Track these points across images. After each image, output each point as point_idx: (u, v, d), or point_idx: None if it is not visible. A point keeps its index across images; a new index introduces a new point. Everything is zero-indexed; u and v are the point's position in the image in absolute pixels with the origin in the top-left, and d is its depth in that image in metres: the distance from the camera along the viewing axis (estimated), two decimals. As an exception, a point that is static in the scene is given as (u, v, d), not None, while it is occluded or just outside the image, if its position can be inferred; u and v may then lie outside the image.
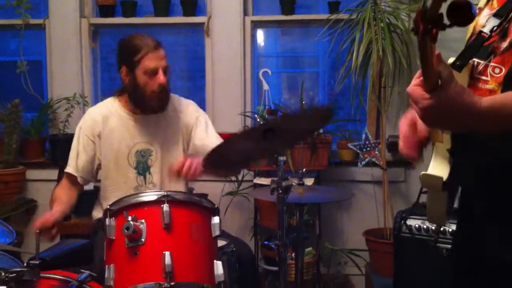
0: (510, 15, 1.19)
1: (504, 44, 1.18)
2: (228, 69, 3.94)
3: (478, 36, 1.22)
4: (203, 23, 3.99)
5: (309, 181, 3.39)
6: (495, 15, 1.21)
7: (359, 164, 3.57)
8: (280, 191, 1.99)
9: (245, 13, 3.97)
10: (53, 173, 3.70)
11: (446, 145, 1.27)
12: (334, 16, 3.60)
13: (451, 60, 1.22)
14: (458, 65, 1.20)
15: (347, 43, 3.49)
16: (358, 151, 3.57)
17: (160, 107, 2.58)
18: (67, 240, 2.19)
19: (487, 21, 1.22)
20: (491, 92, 1.18)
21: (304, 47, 4.47)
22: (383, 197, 3.52)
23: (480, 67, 1.22)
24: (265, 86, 3.90)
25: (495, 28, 1.19)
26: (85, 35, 4.08)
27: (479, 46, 1.21)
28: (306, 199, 2.60)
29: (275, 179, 2.00)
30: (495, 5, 1.24)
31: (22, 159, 3.98)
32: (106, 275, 1.81)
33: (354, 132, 3.87)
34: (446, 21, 0.90)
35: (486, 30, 1.20)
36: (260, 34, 4.29)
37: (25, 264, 1.71)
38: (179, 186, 2.64)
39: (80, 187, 2.64)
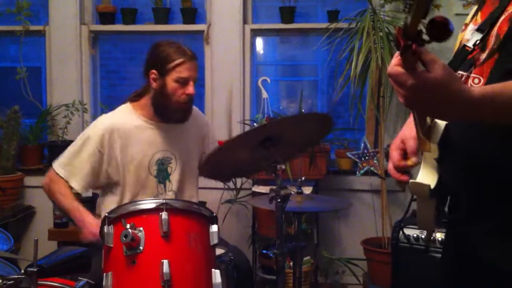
0: (492, 30, 1.22)
1: (483, 56, 1.22)
2: (227, 77, 3.95)
3: (462, 49, 1.25)
4: (202, 31, 4.01)
5: (307, 190, 3.39)
6: (478, 29, 1.24)
7: (357, 173, 3.58)
8: (279, 200, 1.99)
9: (245, 21, 3.98)
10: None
11: (434, 155, 1.29)
12: (333, 25, 3.61)
13: None
14: None
15: (346, 52, 3.50)
16: (357, 160, 3.58)
17: (184, 119, 2.55)
18: (65, 248, 2.19)
19: (471, 35, 1.25)
20: None
21: (303, 56, 4.48)
22: (381, 206, 3.52)
23: (463, 78, 1.25)
24: (264, 94, 3.90)
25: (477, 42, 1.23)
26: (85, 42, 4.09)
27: (463, 59, 1.25)
28: (305, 208, 2.60)
29: (273, 187, 2.00)
30: (479, 21, 1.29)
31: (20, 165, 3.98)
32: (104, 283, 1.80)
33: (353, 141, 3.88)
34: (425, 36, 0.93)
35: (470, 44, 1.24)
36: (260, 42, 4.30)
37: (22, 271, 1.71)
38: (195, 193, 2.66)
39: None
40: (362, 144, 3.57)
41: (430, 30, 0.91)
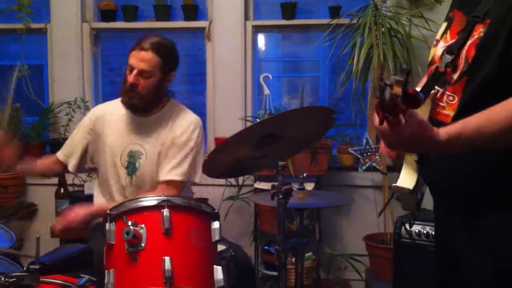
0: (461, 52, 1.39)
1: (455, 76, 1.40)
2: (229, 74, 3.95)
3: (436, 71, 1.43)
4: (204, 28, 4.00)
5: (309, 186, 3.38)
6: (448, 52, 1.43)
7: (359, 169, 3.57)
8: (281, 196, 1.99)
9: (246, 17, 3.97)
10: (53, 178, 3.69)
11: (414, 157, 1.53)
12: (335, 21, 3.60)
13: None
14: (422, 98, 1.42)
15: (348, 47, 3.49)
16: (359, 156, 3.57)
17: (131, 104, 2.56)
18: (67, 245, 2.18)
19: (441, 56, 1.44)
20: (447, 116, 1.41)
21: (305, 52, 4.47)
22: (384, 202, 3.52)
23: (439, 94, 1.44)
24: (266, 91, 3.90)
25: (448, 64, 1.41)
26: (86, 39, 4.08)
27: (436, 79, 1.43)
28: (306, 204, 2.60)
29: (275, 184, 2.00)
30: (449, 38, 1.47)
31: (22, 163, 3.98)
32: (105, 280, 1.81)
33: (355, 137, 3.87)
34: (401, 106, 1.12)
35: (442, 66, 1.42)
36: (261, 39, 4.29)
37: (25, 268, 1.71)
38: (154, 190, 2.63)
39: (62, 166, 2.71)
40: (364, 140, 3.56)
41: (404, 100, 1.10)
